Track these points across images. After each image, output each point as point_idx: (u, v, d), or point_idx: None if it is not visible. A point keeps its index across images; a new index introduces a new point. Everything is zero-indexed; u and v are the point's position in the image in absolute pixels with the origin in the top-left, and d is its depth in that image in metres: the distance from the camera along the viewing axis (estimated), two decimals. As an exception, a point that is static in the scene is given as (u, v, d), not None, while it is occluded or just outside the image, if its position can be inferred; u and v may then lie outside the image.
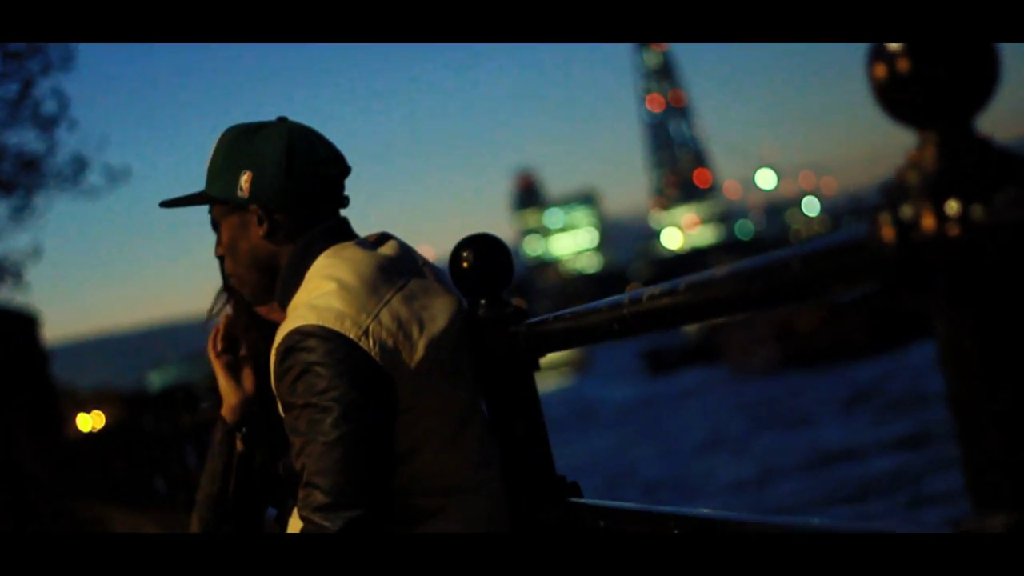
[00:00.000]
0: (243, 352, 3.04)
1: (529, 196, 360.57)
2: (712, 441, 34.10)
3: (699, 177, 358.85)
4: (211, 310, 3.07)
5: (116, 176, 24.19)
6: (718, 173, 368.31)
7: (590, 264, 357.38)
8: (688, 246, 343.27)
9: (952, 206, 1.33)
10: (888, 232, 1.38)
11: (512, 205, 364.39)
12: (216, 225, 2.88)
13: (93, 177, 24.90)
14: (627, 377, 79.91)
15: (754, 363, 59.82)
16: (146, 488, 14.07)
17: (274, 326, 2.83)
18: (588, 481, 3.00)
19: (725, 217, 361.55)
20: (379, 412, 2.54)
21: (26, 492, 25.62)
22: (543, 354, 2.83)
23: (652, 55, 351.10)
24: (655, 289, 2.09)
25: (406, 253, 2.82)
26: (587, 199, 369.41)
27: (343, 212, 2.86)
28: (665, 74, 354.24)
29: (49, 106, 23.18)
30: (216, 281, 3.03)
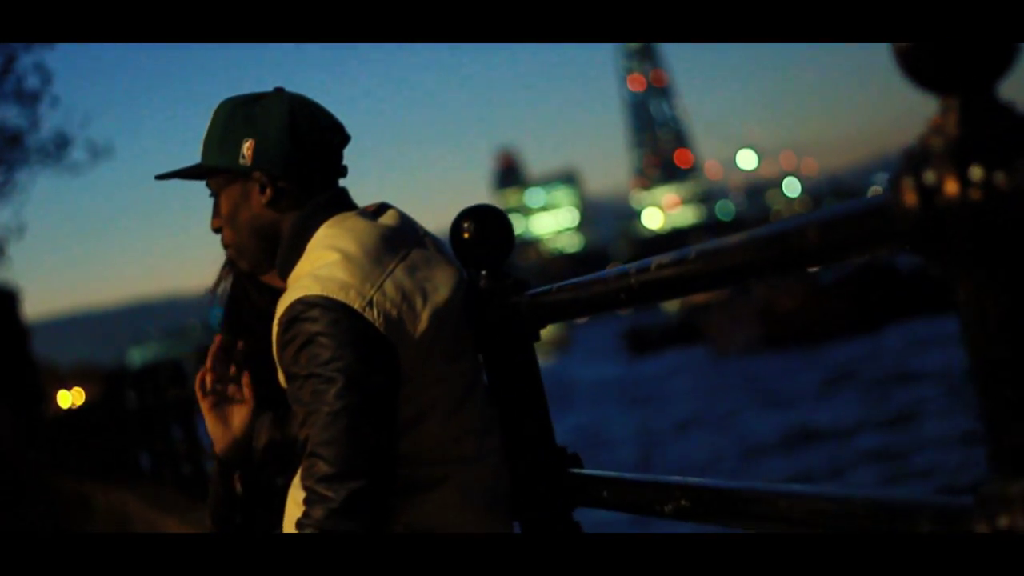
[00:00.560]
0: (231, 391, 3.01)
1: (510, 175, 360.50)
2: (692, 420, 34.16)
3: (680, 157, 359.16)
4: (215, 286, 3.04)
5: (99, 152, 24.15)
6: (699, 153, 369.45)
7: (571, 244, 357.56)
8: (669, 226, 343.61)
9: (975, 172, 1.33)
10: (911, 197, 1.38)
11: (493, 184, 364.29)
12: (215, 197, 2.86)
13: (76, 153, 24.78)
14: (608, 357, 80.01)
15: (735, 343, 59.95)
16: (131, 464, 14.05)
17: (276, 294, 2.82)
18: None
19: (706, 197, 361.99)
20: (383, 383, 2.53)
21: (8, 468, 25.58)
22: (544, 325, 2.83)
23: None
24: (664, 258, 2.09)
25: (407, 223, 2.81)
26: (568, 179, 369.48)
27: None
28: (646, 54, 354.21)
29: (32, 81, 23.13)
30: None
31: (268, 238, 2.79)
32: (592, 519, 2.88)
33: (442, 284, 2.70)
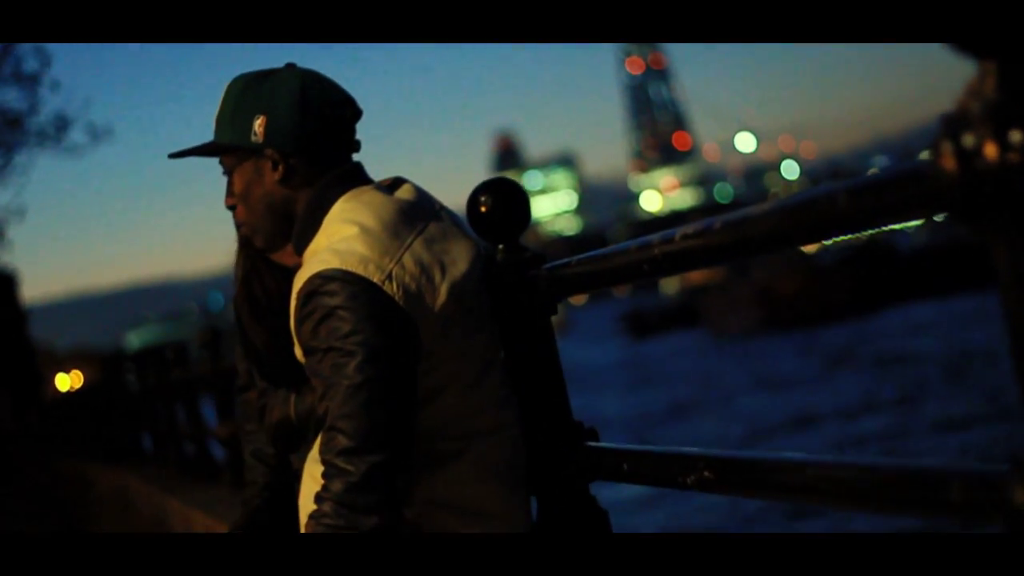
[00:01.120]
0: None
1: (508, 158, 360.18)
2: (691, 403, 34.15)
3: (678, 140, 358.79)
4: (236, 269, 3.03)
5: (99, 135, 24.07)
6: (697, 136, 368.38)
7: (569, 226, 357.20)
8: (667, 209, 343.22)
9: (1015, 135, 1.32)
10: (950, 161, 1.37)
11: (491, 166, 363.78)
12: (228, 174, 2.84)
13: (76, 135, 24.72)
14: (608, 340, 79.99)
15: (734, 326, 59.92)
16: (132, 445, 14.05)
17: (288, 272, 2.81)
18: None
19: (704, 180, 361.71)
20: (403, 356, 2.53)
21: (8, 449, 25.59)
22: (562, 299, 2.82)
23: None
24: (688, 228, 2.08)
25: (423, 197, 2.80)
26: (566, 161, 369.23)
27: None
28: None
29: (31, 64, 23.07)
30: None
31: (282, 215, 2.78)
32: (607, 496, 2.87)
33: (460, 257, 2.69)
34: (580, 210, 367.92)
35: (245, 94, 2.76)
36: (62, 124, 23.52)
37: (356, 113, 2.81)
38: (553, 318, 2.90)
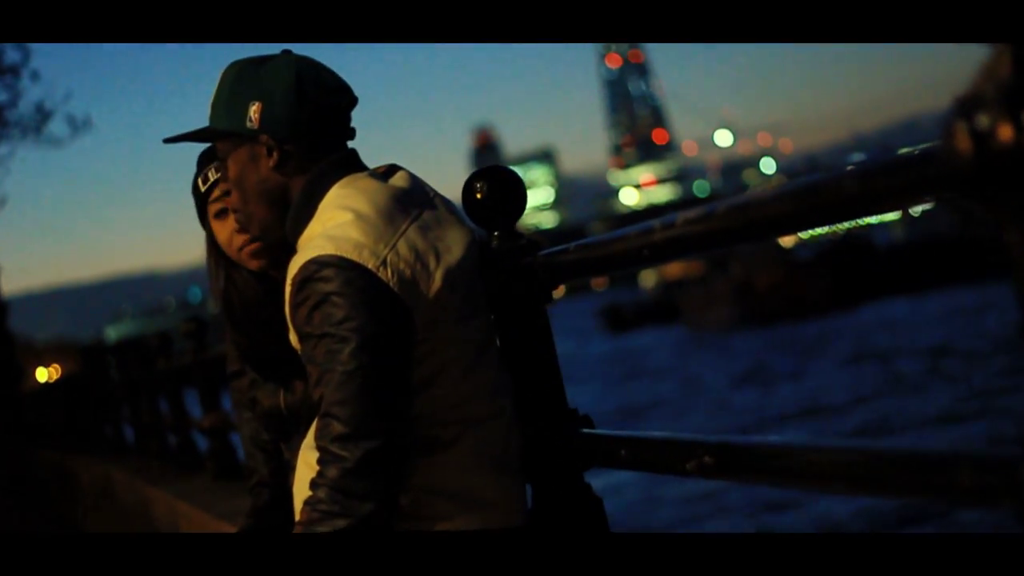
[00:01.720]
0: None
1: (487, 153, 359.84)
2: (671, 398, 34.19)
3: (657, 136, 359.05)
4: (212, 282, 3.08)
5: (78, 126, 24.01)
6: (676, 132, 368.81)
7: (547, 221, 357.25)
8: (646, 204, 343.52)
9: (1030, 116, 1.32)
10: (964, 142, 1.37)
11: (470, 161, 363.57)
12: (223, 160, 2.83)
13: (56, 127, 24.72)
14: (586, 335, 80.00)
15: (711, 321, 59.99)
16: (114, 436, 14.00)
17: (264, 278, 2.84)
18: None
19: (683, 176, 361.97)
20: (397, 343, 2.52)
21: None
22: (557, 285, 2.81)
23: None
24: (690, 213, 2.07)
25: (417, 184, 2.79)
26: (545, 156, 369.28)
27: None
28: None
29: (11, 55, 23.00)
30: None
31: (276, 202, 2.77)
32: (601, 482, 2.87)
33: (455, 244, 2.69)
34: (558, 205, 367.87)
35: (240, 80, 2.75)
36: (42, 115, 23.45)
37: (351, 100, 2.80)
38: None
